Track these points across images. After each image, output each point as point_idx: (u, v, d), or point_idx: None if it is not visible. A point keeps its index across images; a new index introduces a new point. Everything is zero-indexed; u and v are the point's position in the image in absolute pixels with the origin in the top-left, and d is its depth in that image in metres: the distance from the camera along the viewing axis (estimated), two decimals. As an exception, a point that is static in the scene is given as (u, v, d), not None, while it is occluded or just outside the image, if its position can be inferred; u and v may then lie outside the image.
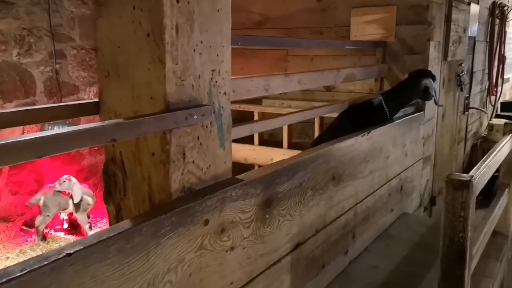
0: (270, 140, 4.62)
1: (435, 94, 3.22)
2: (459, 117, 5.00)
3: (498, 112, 7.01)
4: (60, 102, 4.51)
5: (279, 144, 4.29)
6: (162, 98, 1.36)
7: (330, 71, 2.91)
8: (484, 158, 2.17)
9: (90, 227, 4.48)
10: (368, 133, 2.61)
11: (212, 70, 1.52)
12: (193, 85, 1.44)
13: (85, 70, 4.87)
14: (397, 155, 3.11)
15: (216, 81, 1.54)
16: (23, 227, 4.41)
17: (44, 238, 4.32)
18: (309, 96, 4.34)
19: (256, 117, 4.33)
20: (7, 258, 4.02)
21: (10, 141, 0.97)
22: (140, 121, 1.22)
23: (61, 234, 4.56)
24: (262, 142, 4.42)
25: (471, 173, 1.82)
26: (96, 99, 1.53)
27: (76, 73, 4.78)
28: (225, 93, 1.58)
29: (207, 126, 1.51)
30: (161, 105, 1.36)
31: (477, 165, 2.02)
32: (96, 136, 1.12)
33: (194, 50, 1.43)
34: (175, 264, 1.35)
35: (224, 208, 1.52)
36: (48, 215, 4.26)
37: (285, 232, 1.90)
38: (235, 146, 4.40)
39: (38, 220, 4.25)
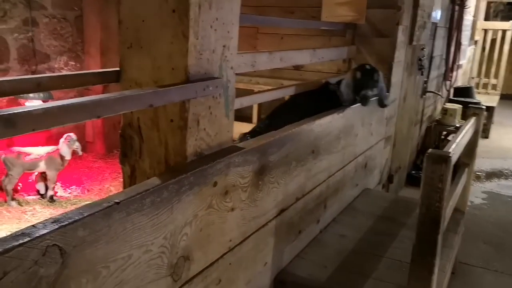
0: (237, 115, 4.73)
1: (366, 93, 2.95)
2: (417, 100, 5.23)
3: (451, 97, 7.33)
4: (36, 69, 4.53)
5: (247, 119, 4.42)
6: (183, 70, 1.49)
7: (307, 51, 3.04)
8: (454, 138, 2.37)
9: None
10: (343, 111, 2.79)
11: (223, 46, 1.66)
12: (208, 59, 1.58)
13: (56, 39, 4.87)
14: (364, 133, 3.30)
15: (226, 56, 1.68)
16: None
17: (13, 198, 4.37)
18: (276, 74, 4.46)
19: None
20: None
21: (70, 102, 1.10)
22: (169, 90, 1.36)
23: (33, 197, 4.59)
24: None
25: (448, 149, 2.03)
26: (117, 68, 1.65)
27: (48, 42, 4.78)
28: (231, 68, 1.73)
29: (217, 98, 1.66)
30: (182, 76, 1.49)
31: (449, 143, 2.22)
32: (136, 101, 1.26)
33: (211, 26, 1.57)
34: (191, 219, 1.50)
35: (229, 172, 1.68)
36: (11, 175, 4.31)
37: (272, 198, 2.07)
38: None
39: (4, 180, 4.29)
